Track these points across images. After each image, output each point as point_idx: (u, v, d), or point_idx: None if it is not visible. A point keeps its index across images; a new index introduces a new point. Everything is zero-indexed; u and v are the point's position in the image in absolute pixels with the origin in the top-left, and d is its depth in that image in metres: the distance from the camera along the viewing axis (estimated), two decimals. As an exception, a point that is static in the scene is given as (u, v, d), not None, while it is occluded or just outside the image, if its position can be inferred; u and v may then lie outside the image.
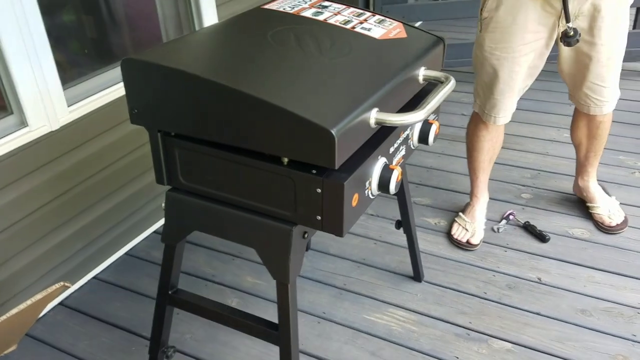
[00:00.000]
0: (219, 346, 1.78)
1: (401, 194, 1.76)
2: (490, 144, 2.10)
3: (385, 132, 1.26)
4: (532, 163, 2.65)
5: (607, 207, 2.21)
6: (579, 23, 1.77)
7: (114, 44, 2.27)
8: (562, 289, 1.93)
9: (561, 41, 1.75)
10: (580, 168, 2.25)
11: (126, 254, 2.22)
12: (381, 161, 1.24)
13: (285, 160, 1.16)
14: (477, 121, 2.07)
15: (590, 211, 2.24)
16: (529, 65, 1.88)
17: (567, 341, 1.73)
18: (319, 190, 1.13)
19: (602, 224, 2.18)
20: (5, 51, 1.67)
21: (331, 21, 1.49)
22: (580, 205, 2.31)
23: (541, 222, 2.24)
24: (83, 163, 1.96)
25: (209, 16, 2.43)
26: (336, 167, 1.08)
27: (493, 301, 1.90)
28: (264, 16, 1.50)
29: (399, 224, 1.84)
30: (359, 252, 2.14)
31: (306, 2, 1.60)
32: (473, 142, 2.13)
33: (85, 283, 2.07)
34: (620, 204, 2.28)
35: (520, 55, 1.83)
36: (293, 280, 1.26)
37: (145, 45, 2.33)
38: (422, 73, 1.39)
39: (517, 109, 2.28)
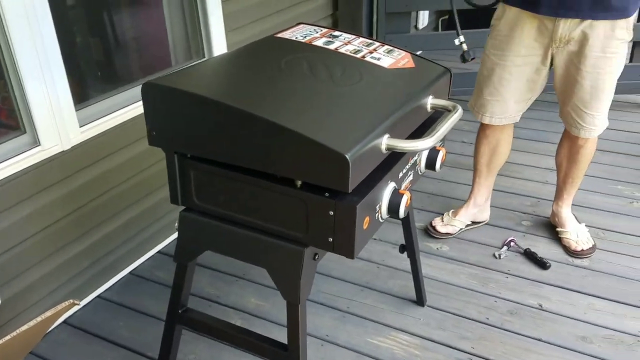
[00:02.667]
0: (222, 367, 1.79)
1: (406, 219, 1.79)
2: (487, 148, 2.23)
3: (395, 158, 1.30)
4: (531, 191, 2.69)
5: (575, 233, 2.27)
6: (570, 47, 1.89)
7: (125, 67, 2.32)
8: (563, 315, 1.95)
9: None
10: (558, 193, 2.33)
11: (130, 273, 2.23)
12: (391, 186, 1.27)
13: (299, 183, 1.19)
14: (481, 124, 2.20)
15: (560, 236, 2.31)
16: (526, 79, 2.00)
17: (568, 368, 1.76)
18: (331, 213, 1.16)
19: (569, 247, 2.25)
20: (21, 71, 1.71)
21: (342, 50, 1.54)
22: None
23: (541, 249, 2.28)
24: (92, 183, 1.99)
25: (219, 42, 2.49)
26: (349, 191, 1.12)
27: (495, 327, 1.91)
28: (277, 45, 1.55)
29: (402, 248, 1.87)
30: (362, 276, 2.17)
31: (317, 32, 1.65)
32: (475, 143, 2.28)
33: (89, 302, 2.08)
34: (618, 232, 2.33)
35: (512, 65, 1.97)
36: (303, 301, 1.28)
37: (154, 69, 2.37)
38: (430, 102, 1.44)
39: (516, 137, 2.35)
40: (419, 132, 1.43)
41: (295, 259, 1.25)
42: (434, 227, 2.36)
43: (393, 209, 1.26)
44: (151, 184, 2.24)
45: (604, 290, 2.05)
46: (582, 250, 2.22)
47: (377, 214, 1.25)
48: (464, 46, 1.95)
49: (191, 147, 1.29)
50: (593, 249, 2.24)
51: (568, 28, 1.85)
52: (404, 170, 1.36)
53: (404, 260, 2.15)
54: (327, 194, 1.16)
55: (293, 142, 1.12)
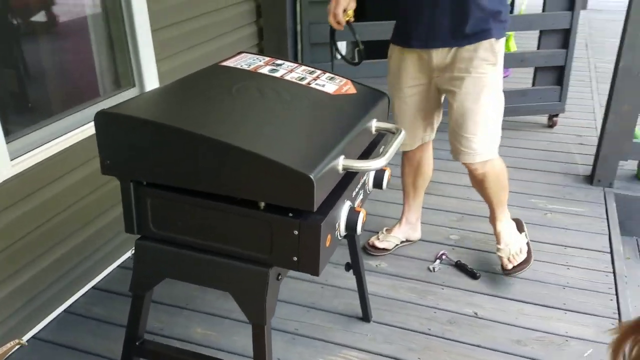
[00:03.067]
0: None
1: (352, 238, 1.86)
2: (409, 169, 2.39)
3: (349, 178, 1.36)
4: (455, 207, 2.86)
5: (508, 250, 2.27)
6: (446, 74, 2.03)
7: (53, 98, 2.25)
8: (497, 322, 2.09)
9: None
10: (489, 209, 2.36)
11: (65, 311, 2.13)
12: (347, 204, 1.34)
13: (262, 204, 1.23)
14: None
15: (496, 251, 2.32)
16: (422, 106, 2.16)
17: (507, 370, 1.88)
18: (296, 232, 1.20)
19: (501, 264, 2.29)
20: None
21: (288, 78, 1.60)
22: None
23: (470, 260, 2.42)
24: (24, 217, 1.90)
25: (149, 71, 2.47)
26: (315, 210, 1.16)
27: (437, 336, 2.01)
28: (224, 73, 1.59)
29: (348, 266, 1.93)
30: (308, 297, 2.20)
31: (260, 60, 1.70)
32: (400, 167, 2.43)
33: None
34: (536, 242, 2.53)
35: (406, 96, 2.14)
36: (269, 322, 1.30)
37: (83, 98, 2.30)
38: (374, 125, 1.53)
39: (438, 158, 2.51)
40: (366, 154, 1.51)
41: (260, 280, 1.27)
42: (372, 245, 2.46)
43: (351, 226, 1.32)
44: (85, 216, 2.17)
45: (530, 296, 2.22)
46: (513, 267, 2.25)
47: (336, 232, 1.31)
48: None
49: (148, 174, 1.29)
50: (526, 263, 2.27)
51: (440, 57, 1.99)
52: (356, 190, 1.43)
53: (346, 279, 2.21)
54: (291, 214, 1.20)
55: (258, 165, 1.16)
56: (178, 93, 1.45)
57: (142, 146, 1.25)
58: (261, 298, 1.27)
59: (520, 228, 2.42)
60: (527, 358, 1.92)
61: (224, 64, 1.65)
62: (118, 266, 2.36)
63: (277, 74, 1.61)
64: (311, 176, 1.13)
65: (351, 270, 1.95)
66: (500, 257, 2.29)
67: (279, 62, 1.73)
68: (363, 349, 1.95)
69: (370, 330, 2.04)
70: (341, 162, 1.27)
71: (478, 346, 1.97)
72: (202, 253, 1.31)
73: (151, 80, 2.48)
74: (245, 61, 1.69)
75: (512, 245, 2.30)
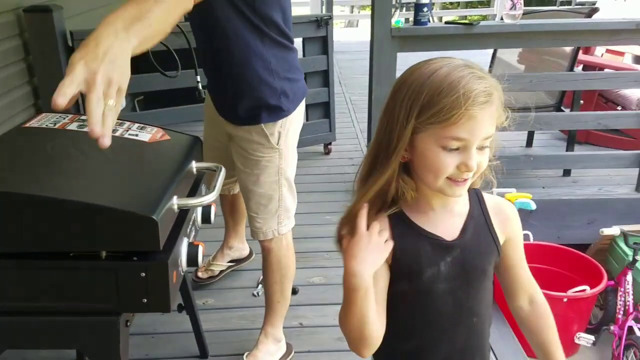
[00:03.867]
0: None
1: (182, 277, 1.92)
2: (225, 205, 2.48)
3: (182, 216, 1.46)
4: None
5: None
6: (233, 146, 1.94)
7: None
8: (319, 326, 2.34)
9: None
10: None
11: None
12: (185, 240, 1.43)
13: (104, 253, 1.26)
14: None
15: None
16: (224, 158, 1.97)
17: (338, 367, 2.13)
18: (143, 274, 1.26)
19: None
20: None
21: (99, 131, 1.63)
22: (314, 259, 2.82)
23: (286, 280, 2.65)
24: None
25: None
26: (161, 249, 1.25)
27: (273, 353, 2.17)
28: (32, 134, 1.56)
29: (181, 307, 1.98)
30: (140, 350, 2.17)
31: (65, 118, 1.69)
32: None
33: None
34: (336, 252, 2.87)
35: (207, 149, 1.97)
36: (125, 369, 1.32)
37: None
38: (195, 165, 1.65)
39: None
40: (191, 193, 1.62)
41: (110, 331, 1.29)
42: (196, 276, 2.52)
43: (192, 259, 1.42)
44: None
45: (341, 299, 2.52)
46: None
47: (179, 268, 1.39)
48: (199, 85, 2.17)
49: (-30, 246, 1.22)
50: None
51: (228, 126, 1.92)
52: (190, 226, 1.53)
53: (174, 324, 2.25)
54: (135, 258, 1.26)
55: (96, 216, 1.20)
56: (-14, 159, 1.39)
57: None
58: (115, 348, 1.29)
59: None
60: (350, 351, 2.19)
61: (27, 125, 1.61)
62: None
63: (87, 129, 1.63)
64: (154, 217, 1.21)
65: (184, 311, 2.00)
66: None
67: (85, 117, 1.74)
68: (206, 385, 2.01)
69: (211, 365, 2.11)
70: (176, 202, 1.36)
71: (309, 352, 2.19)
72: (43, 316, 1.27)
73: None
74: (49, 120, 1.66)
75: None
